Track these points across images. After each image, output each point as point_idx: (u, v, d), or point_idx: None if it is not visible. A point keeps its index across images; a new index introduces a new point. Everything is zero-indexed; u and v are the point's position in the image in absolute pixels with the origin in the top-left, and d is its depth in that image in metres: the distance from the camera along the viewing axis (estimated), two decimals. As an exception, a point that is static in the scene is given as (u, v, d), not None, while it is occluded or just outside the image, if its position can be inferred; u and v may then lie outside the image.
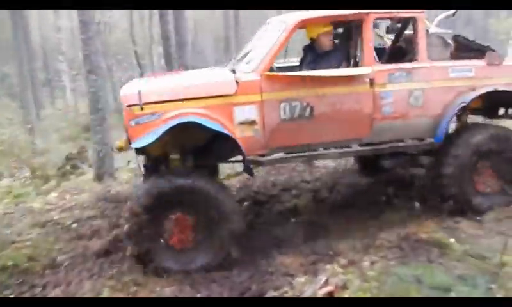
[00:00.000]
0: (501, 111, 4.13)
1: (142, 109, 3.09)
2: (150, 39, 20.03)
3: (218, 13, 19.92)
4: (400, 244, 3.23)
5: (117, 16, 19.85)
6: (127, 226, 3.04)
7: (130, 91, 3.26)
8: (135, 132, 3.13)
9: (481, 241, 3.10)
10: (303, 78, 3.37)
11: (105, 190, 5.45)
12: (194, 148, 3.39)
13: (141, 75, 14.31)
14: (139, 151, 3.35)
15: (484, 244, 3.06)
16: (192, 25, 22.09)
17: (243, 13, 18.39)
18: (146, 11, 18.90)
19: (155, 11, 14.59)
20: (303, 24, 3.55)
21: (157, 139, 2.96)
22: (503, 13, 16.11)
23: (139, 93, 3.09)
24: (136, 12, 18.78)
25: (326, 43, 3.70)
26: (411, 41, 3.71)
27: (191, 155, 3.38)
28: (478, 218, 3.56)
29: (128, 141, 3.27)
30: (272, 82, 3.31)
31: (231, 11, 17.87)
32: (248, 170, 3.36)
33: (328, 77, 3.35)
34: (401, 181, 4.71)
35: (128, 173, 6.68)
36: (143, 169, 3.64)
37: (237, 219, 3.21)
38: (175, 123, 3.03)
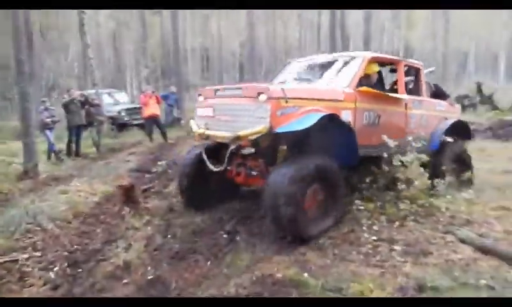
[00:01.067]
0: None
1: (287, 102, 3.72)
2: None
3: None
4: (256, 289, 2.92)
5: None
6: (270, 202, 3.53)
7: (275, 88, 3.83)
8: (279, 121, 3.67)
9: (331, 271, 3.05)
10: (376, 95, 4.50)
11: None
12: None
13: None
14: (251, 142, 3.79)
15: (335, 273, 3.02)
16: None
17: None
18: None
19: None
20: (373, 60, 4.81)
21: (306, 128, 3.55)
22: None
23: (283, 90, 3.78)
24: None
25: (375, 78, 4.99)
26: (417, 83, 5.36)
27: (296, 146, 4.03)
28: (320, 242, 3.61)
29: (270, 128, 3.62)
30: (361, 95, 4.34)
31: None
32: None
33: (388, 98, 4.66)
34: (240, 212, 4.52)
35: None
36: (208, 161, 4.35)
37: (344, 185, 4.03)
38: (322, 115, 3.72)
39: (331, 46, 14.01)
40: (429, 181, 4.41)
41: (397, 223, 3.82)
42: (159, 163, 7.22)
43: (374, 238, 3.51)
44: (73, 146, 9.76)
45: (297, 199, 3.50)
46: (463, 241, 3.38)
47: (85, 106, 10.15)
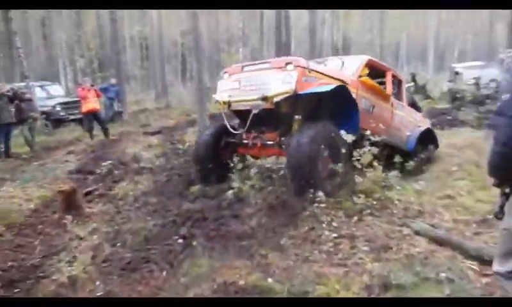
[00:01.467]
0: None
1: (309, 72, 4.52)
2: None
3: None
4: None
5: None
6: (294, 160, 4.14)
7: (301, 59, 4.61)
8: (303, 85, 4.39)
9: (295, 274, 2.97)
10: (373, 87, 5.39)
11: None
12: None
13: None
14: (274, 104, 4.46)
15: (299, 276, 2.94)
16: None
17: None
18: None
19: None
20: (369, 62, 5.65)
21: (325, 92, 4.38)
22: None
23: (307, 61, 4.65)
24: None
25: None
26: (399, 91, 6.32)
27: (310, 115, 4.66)
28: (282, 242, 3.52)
29: (295, 90, 4.32)
30: (361, 84, 5.18)
31: None
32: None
33: (381, 92, 5.57)
34: (194, 213, 4.32)
35: None
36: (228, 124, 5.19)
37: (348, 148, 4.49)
38: (339, 84, 4.57)
39: (277, 37, 13.98)
40: (382, 174, 4.49)
41: (355, 218, 3.82)
42: (103, 163, 6.76)
43: (335, 235, 3.48)
44: (2, 146, 8.87)
45: (317, 157, 4.17)
46: (418, 233, 3.46)
47: (14, 101, 9.26)
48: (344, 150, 4.43)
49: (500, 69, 16.22)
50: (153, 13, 26.29)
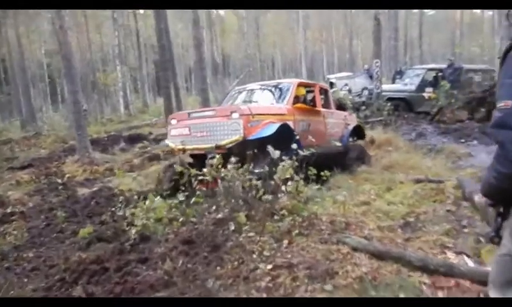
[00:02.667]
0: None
1: (253, 117, 5.12)
2: None
3: None
4: None
5: None
6: None
7: (244, 107, 5.31)
8: (250, 131, 5.01)
9: None
10: (306, 109, 6.21)
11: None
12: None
13: None
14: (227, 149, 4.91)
15: None
16: None
17: None
18: None
19: None
20: (300, 84, 6.53)
21: (272, 134, 5.00)
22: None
23: (249, 108, 5.29)
24: None
25: (302, 97, 6.39)
26: (327, 99, 7.17)
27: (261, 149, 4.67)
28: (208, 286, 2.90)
29: (244, 136, 4.94)
30: (297, 110, 6.02)
31: None
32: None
33: (313, 111, 6.47)
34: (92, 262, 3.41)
35: None
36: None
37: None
38: (279, 125, 5.22)
39: (160, 53, 13.20)
40: (304, 188, 4.19)
41: (285, 242, 3.41)
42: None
43: (270, 266, 3.01)
44: None
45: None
46: (355, 249, 3.19)
47: None
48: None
49: (366, 78, 17.98)
50: (11, 33, 22.97)
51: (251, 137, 4.94)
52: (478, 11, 55.05)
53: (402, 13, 34.18)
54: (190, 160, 5.09)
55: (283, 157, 3.98)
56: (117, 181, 7.00)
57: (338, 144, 6.34)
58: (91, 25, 28.01)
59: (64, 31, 9.63)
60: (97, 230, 4.32)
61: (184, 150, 5.37)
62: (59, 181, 7.21)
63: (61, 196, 6.34)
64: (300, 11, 33.96)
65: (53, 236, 4.42)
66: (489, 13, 50.02)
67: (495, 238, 1.54)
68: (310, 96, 6.75)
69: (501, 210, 1.50)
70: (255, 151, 4.66)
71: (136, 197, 4.41)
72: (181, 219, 3.99)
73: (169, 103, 12.52)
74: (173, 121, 5.73)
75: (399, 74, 18.66)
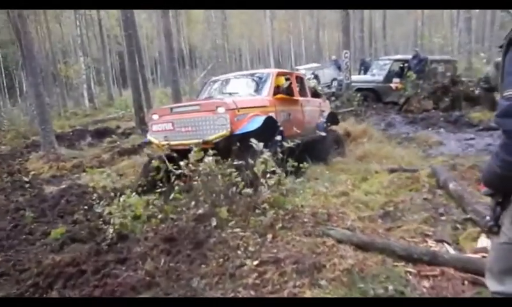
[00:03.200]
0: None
1: (238, 111, 5.09)
2: None
3: None
4: None
5: None
6: None
7: (229, 101, 5.21)
8: (237, 124, 4.99)
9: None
10: (286, 99, 6.22)
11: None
12: None
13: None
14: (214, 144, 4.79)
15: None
16: None
17: None
18: None
19: None
20: (279, 74, 6.48)
21: (258, 127, 5.03)
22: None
23: (235, 102, 5.20)
24: None
25: (282, 86, 6.48)
26: (303, 87, 7.14)
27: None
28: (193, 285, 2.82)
29: (231, 131, 4.90)
30: (278, 100, 6.00)
31: None
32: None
33: (292, 100, 6.47)
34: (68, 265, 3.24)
35: None
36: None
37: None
38: (265, 118, 5.27)
39: (127, 44, 12.76)
40: (285, 180, 4.16)
41: (269, 236, 3.37)
42: None
43: (256, 262, 2.96)
44: None
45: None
46: (340, 241, 3.20)
47: None
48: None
49: (334, 69, 18.17)
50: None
51: (237, 132, 4.90)
52: (438, 3, 56.89)
53: (367, 4, 34.72)
54: (173, 154, 4.84)
55: (268, 150, 3.94)
56: (87, 177, 6.73)
57: (321, 133, 6.40)
58: (50, 14, 26.70)
59: (23, 19, 9.10)
60: (70, 230, 4.12)
61: (168, 145, 5.20)
62: (25, 179, 6.84)
63: (27, 194, 6.02)
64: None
65: (22, 238, 4.18)
66: (448, 5, 51.81)
67: (494, 227, 1.55)
68: (286, 85, 6.68)
69: (500, 199, 1.51)
70: (239, 145, 4.60)
71: (112, 194, 4.21)
72: (160, 216, 3.87)
73: (139, 96, 12.14)
74: (155, 117, 5.57)
75: (362, 65, 19.03)
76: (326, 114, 7.56)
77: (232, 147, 4.71)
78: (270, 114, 5.57)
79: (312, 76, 15.92)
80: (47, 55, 26.21)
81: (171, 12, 20.06)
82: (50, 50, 26.48)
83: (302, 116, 6.67)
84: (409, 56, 14.74)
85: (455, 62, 15.30)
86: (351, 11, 17.11)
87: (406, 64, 14.18)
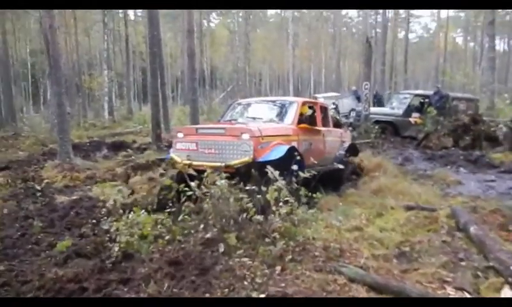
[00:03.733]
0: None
1: (262, 139, 5.13)
2: None
3: None
4: None
5: None
6: None
7: (254, 128, 5.18)
8: (260, 152, 5.02)
9: None
10: (309, 129, 6.23)
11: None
12: None
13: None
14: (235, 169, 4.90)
15: None
16: None
17: None
18: None
19: None
20: (304, 103, 6.59)
21: (281, 157, 5.02)
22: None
23: (260, 130, 5.21)
24: None
25: (306, 115, 6.49)
26: (326, 117, 7.17)
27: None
28: None
29: (253, 158, 4.93)
30: (301, 130, 6.07)
31: None
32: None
33: (315, 130, 6.49)
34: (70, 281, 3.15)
35: None
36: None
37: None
38: (288, 147, 5.28)
39: (151, 60, 12.98)
40: (297, 210, 4.03)
41: (278, 268, 3.24)
42: None
43: (263, 296, 2.82)
44: None
45: None
46: (352, 280, 3.04)
47: None
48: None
49: (353, 99, 18.09)
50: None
51: (260, 159, 4.90)
52: (460, 41, 56.88)
53: (389, 38, 34.91)
54: (193, 172, 4.78)
55: (283, 178, 3.84)
56: (99, 190, 6.71)
57: (339, 165, 6.13)
58: (79, 27, 27.56)
59: (53, 30, 9.34)
60: (76, 244, 4.04)
61: (189, 165, 5.10)
62: (37, 187, 6.86)
63: (38, 203, 6.01)
64: (290, 29, 34.24)
65: (28, 248, 4.12)
66: (470, 44, 51.76)
67: None
68: (310, 114, 6.63)
69: None
70: (257, 171, 4.53)
71: (121, 211, 4.15)
72: (167, 237, 3.77)
73: (157, 112, 12.25)
74: (180, 135, 5.64)
75: (375, 97, 18.90)
76: (346, 145, 7.48)
77: (252, 173, 4.67)
78: (293, 144, 5.57)
79: (334, 106, 15.90)
80: (73, 66, 26.94)
81: (196, 33, 20.51)
82: (76, 61, 27.23)
83: (323, 146, 6.68)
84: (430, 92, 14.60)
85: (477, 101, 15.06)
86: (373, 44, 17.14)
87: (426, 100, 14.02)
